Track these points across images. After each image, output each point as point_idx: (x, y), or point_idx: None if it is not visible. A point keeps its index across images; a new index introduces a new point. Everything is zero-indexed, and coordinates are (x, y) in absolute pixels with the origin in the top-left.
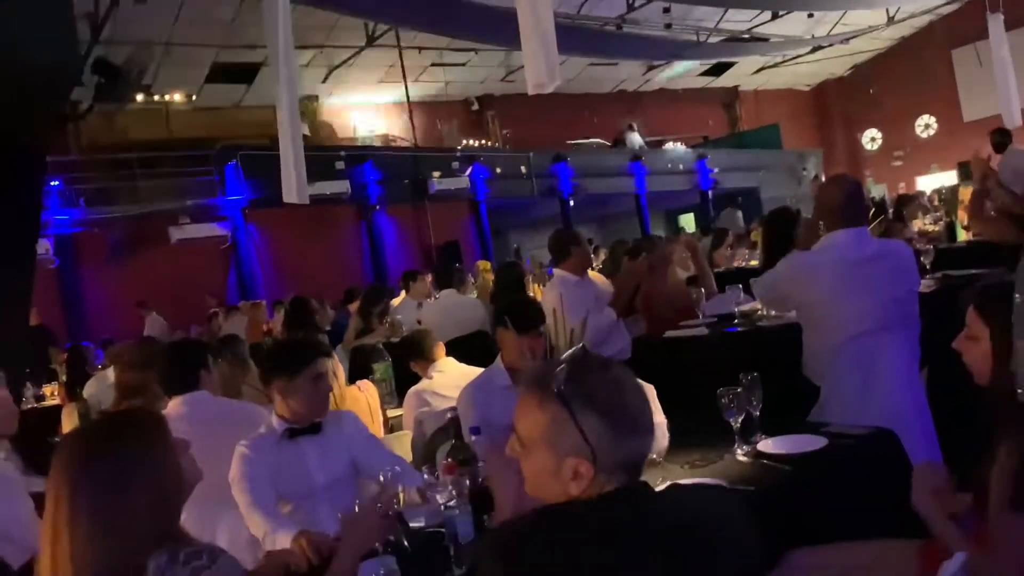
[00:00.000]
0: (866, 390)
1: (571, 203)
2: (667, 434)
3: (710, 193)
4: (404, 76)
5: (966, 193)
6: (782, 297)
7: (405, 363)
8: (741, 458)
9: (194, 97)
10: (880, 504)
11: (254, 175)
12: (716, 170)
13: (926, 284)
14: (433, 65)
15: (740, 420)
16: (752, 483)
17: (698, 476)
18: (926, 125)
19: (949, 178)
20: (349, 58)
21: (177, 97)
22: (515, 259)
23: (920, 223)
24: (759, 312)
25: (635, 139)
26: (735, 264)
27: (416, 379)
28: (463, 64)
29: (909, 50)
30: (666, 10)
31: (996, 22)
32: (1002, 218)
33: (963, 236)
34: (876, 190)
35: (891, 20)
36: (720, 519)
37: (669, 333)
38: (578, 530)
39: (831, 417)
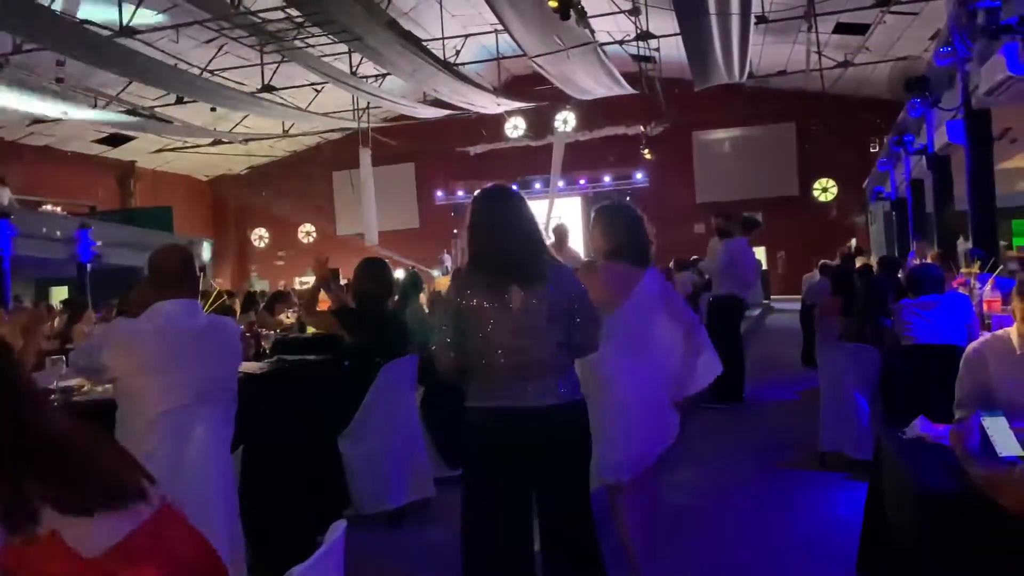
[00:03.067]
0: (178, 465)
1: None
2: None
3: (89, 267)
4: None
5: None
6: (100, 367)
7: None
8: None
9: None
10: None
11: None
12: (100, 243)
13: (259, 366)
14: None
15: None
16: None
17: None
18: (307, 232)
19: None
20: None
21: None
22: None
23: (286, 316)
24: (83, 387)
25: (5, 195)
26: None
27: None
28: None
29: (299, 163)
30: (60, 63)
31: (366, 156)
32: (327, 313)
33: (311, 329)
34: (259, 284)
35: (286, 133)
36: None
37: None
38: None
39: None
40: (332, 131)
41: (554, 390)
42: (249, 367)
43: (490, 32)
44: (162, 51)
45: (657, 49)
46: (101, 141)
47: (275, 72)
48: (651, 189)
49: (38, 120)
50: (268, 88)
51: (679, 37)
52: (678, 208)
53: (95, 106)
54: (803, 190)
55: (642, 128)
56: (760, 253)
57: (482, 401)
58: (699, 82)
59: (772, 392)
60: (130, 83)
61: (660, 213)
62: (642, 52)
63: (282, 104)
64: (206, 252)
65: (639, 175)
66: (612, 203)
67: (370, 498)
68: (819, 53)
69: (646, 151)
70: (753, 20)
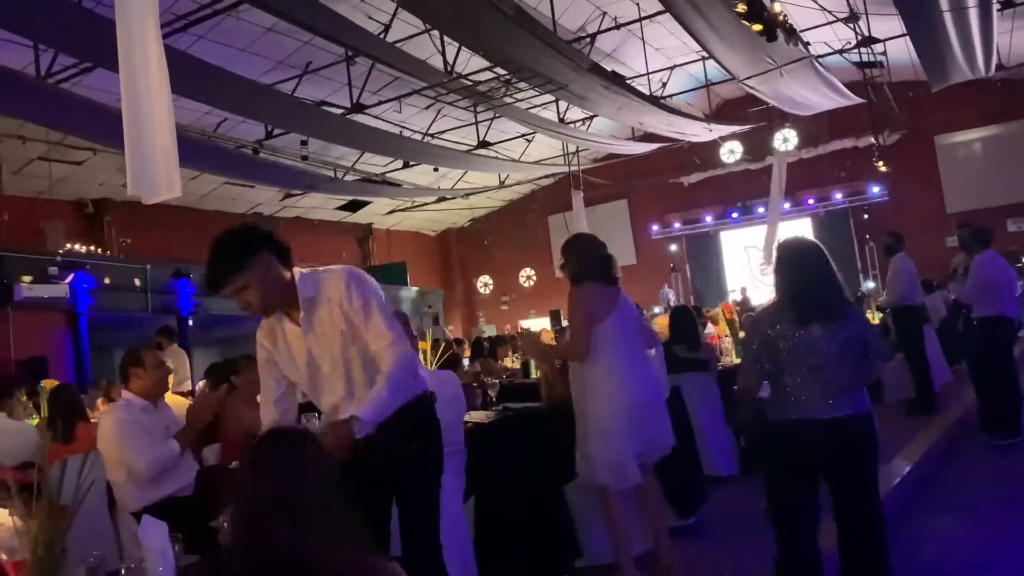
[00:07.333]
0: None
1: (190, 322)
2: None
3: None
4: (0, 167)
5: (547, 336)
6: None
7: None
8: None
9: None
10: None
11: None
12: None
13: (486, 415)
14: (40, 159)
15: None
16: None
17: None
18: (527, 276)
19: (544, 323)
20: None
21: None
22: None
23: (509, 360)
24: None
25: None
26: None
27: None
28: (79, 163)
29: (516, 211)
30: (304, 142)
31: (578, 198)
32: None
33: (535, 374)
34: (487, 329)
35: (502, 184)
36: None
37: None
38: None
39: None
40: (545, 177)
41: (846, 404)
42: (476, 416)
43: (697, 60)
44: (388, 121)
45: (883, 53)
46: (341, 208)
47: (488, 128)
48: (891, 202)
49: (289, 195)
50: (483, 144)
51: (907, 38)
52: (925, 221)
53: (335, 177)
54: None
55: (873, 139)
56: None
57: (784, 414)
58: (936, 82)
59: None
60: (363, 154)
61: (905, 228)
62: (866, 58)
63: (497, 158)
64: (435, 304)
65: (875, 189)
66: (572, 235)
67: (600, 548)
68: None
69: (880, 163)
70: (997, 7)
